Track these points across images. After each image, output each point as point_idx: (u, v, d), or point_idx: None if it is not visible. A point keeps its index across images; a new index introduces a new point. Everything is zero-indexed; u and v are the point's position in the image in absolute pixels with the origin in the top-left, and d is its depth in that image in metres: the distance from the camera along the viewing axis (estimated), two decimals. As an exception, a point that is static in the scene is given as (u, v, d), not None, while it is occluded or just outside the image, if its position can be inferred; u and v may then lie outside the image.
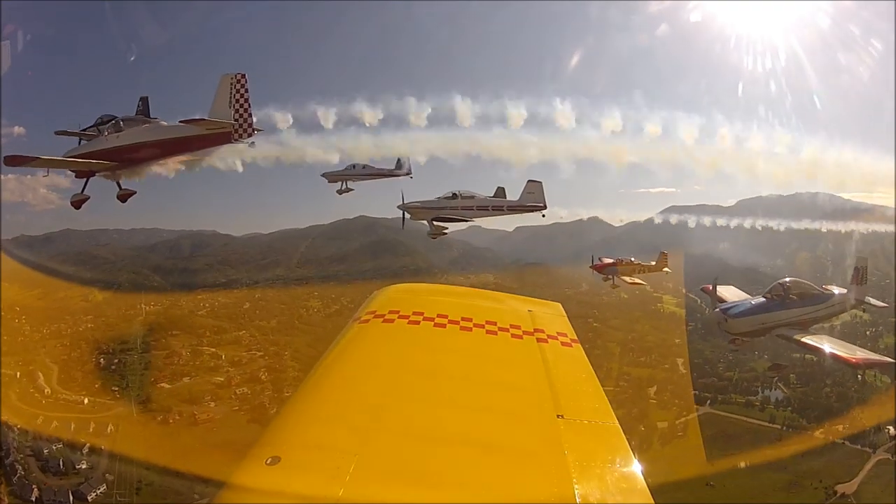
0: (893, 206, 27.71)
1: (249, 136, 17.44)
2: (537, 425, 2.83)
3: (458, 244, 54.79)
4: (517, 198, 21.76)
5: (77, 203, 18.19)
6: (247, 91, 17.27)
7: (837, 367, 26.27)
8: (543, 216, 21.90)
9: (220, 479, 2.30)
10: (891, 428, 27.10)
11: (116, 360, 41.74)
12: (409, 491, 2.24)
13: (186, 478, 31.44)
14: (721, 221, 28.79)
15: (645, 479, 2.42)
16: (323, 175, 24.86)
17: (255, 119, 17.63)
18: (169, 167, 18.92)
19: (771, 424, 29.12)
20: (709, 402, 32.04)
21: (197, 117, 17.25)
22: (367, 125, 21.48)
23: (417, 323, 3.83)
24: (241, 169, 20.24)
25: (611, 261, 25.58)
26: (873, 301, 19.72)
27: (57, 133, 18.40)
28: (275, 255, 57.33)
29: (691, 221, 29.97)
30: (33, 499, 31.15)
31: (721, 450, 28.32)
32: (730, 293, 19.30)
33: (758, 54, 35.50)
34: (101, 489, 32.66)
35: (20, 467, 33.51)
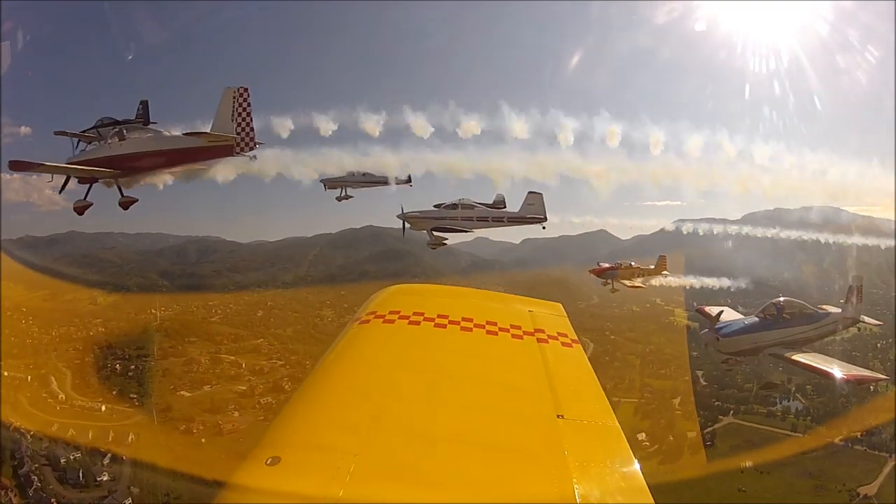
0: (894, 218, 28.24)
1: (251, 149, 17.67)
2: (537, 425, 2.84)
3: (465, 256, 55.85)
4: (517, 208, 21.76)
5: (80, 209, 18.20)
6: (249, 105, 17.52)
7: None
8: (544, 228, 21.83)
9: (221, 479, 2.33)
10: None
11: (133, 367, 40.49)
12: (409, 491, 2.25)
13: (216, 490, 30.89)
14: (729, 231, 29.01)
15: (645, 479, 2.47)
16: (321, 181, 24.49)
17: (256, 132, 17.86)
18: (171, 176, 19.10)
19: (793, 433, 31.32)
20: (731, 412, 33.34)
21: (200, 131, 17.59)
22: (372, 135, 21.55)
23: (418, 323, 3.83)
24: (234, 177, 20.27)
25: (609, 265, 25.89)
26: (868, 319, 20.00)
27: (56, 133, 18.75)
28: (283, 263, 57.14)
29: (698, 233, 30.00)
30: (52, 513, 29.77)
31: (748, 457, 30.28)
32: (724, 315, 19.12)
33: (765, 65, 35.49)
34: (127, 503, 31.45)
35: (36, 478, 31.91)
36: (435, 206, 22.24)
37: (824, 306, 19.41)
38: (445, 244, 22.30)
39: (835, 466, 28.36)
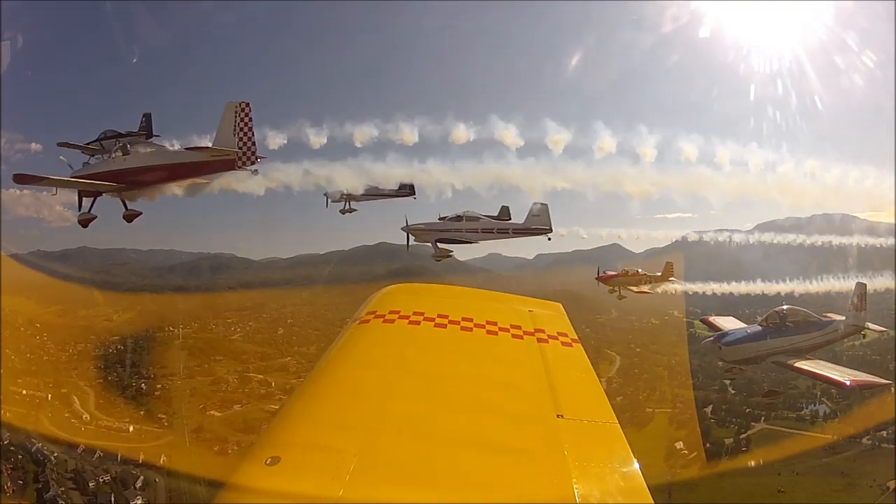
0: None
1: (253, 163, 17.89)
2: (537, 425, 2.85)
3: (480, 272, 56.88)
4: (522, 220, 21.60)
5: (84, 222, 18.52)
6: (251, 119, 17.71)
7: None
8: (549, 239, 21.70)
9: (221, 479, 2.33)
10: None
11: (159, 386, 38.76)
12: (409, 491, 2.25)
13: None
14: (742, 241, 29.14)
15: (644, 479, 2.48)
16: (325, 194, 24.20)
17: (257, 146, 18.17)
18: (177, 189, 19.34)
19: (822, 435, 33.56)
20: (762, 418, 34.35)
21: (202, 145, 17.96)
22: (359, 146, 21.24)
23: (418, 323, 3.84)
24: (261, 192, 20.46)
25: (614, 273, 26.10)
26: (872, 326, 19.89)
27: (59, 145, 19.07)
28: (298, 280, 56.75)
29: (712, 244, 30.35)
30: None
31: (783, 461, 32.19)
32: (729, 324, 19.56)
33: (775, 75, 34.08)
34: (164, 528, 29.79)
35: (63, 503, 29.86)
36: (440, 219, 22.13)
37: (829, 314, 19.55)
38: (450, 256, 22.19)
39: (864, 464, 30.39)
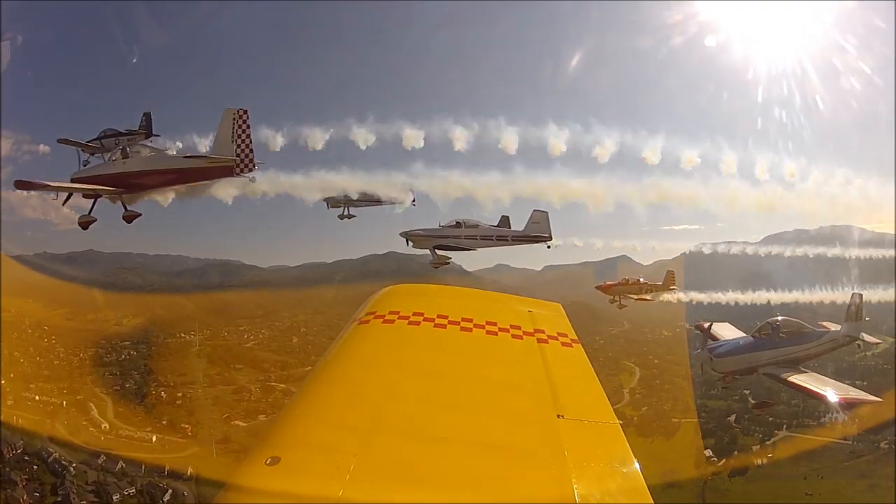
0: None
1: (250, 170, 17.95)
2: (537, 425, 2.85)
3: (489, 284, 57.04)
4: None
5: (84, 224, 18.67)
6: (248, 126, 17.84)
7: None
8: (549, 247, 21.53)
9: (221, 479, 2.39)
10: None
11: (180, 394, 36.88)
12: (409, 491, 2.26)
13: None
14: (751, 252, 29.01)
15: (644, 478, 2.48)
16: (324, 200, 24.02)
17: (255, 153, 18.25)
18: (177, 192, 19.47)
19: (843, 441, 35.40)
20: (784, 426, 35.25)
21: (201, 153, 18.21)
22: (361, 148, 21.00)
23: (417, 323, 3.83)
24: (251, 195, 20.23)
25: (614, 282, 26.06)
26: (867, 337, 19.61)
27: (59, 141, 19.20)
28: (307, 289, 56.17)
29: (720, 256, 30.39)
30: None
31: (807, 466, 33.82)
32: (725, 330, 19.58)
33: (780, 86, 33.85)
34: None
35: (85, 519, 27.76)
36: (442, 227, 22.06)
37: (825, 323, 19.55)
38: (448, 263, 22.00)
39: (883, 466, 32.43)
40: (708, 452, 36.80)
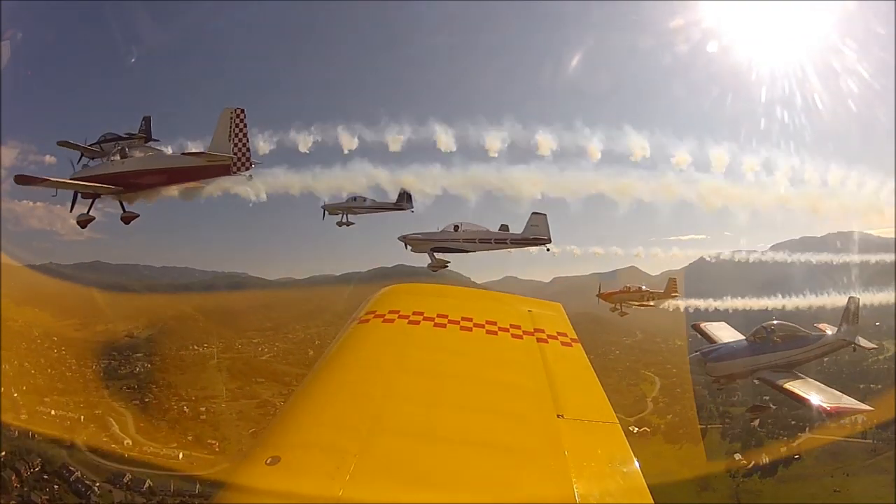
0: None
1: (247, 169, 18.19)
2: (537, 425, 2.84)
3: None
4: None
5: (83, 223, 18.99)
6: (245, 125, 18.06)
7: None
8: (548, 250, 21.48)
9: (221, 479, 2.36)
10: None
11: (203, 409, 34.97)
12: (409, 491, 2.25)
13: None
14: (759, 260, 29.03)
15: (644, 478, 2.46)
16: (322, 207, 24.07)
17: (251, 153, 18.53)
18: (171, 193, 19.52)
19: (863, 440, 36.86)
20: (807, 428, 38.95)
21: (198, 151, 18.47)
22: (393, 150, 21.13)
23: (417, 323, 3.83)
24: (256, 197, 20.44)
25: (615, 290, 26.20)
26: (863, 342, 19.57)
27: (59, 144, 19.49)
28: (317, 302, 55.40)
29: (727, 265, 30.42)
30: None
31: (832, 465, 35.10)
32: (722, 331, 19.60)
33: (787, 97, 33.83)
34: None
35: (115, 543, 25.69)
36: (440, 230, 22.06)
37: (821, 326, 19.61)
38: (446, 266, 22.00)
39: (903, 462, 34.24)
40: (737, 456, 37.66)
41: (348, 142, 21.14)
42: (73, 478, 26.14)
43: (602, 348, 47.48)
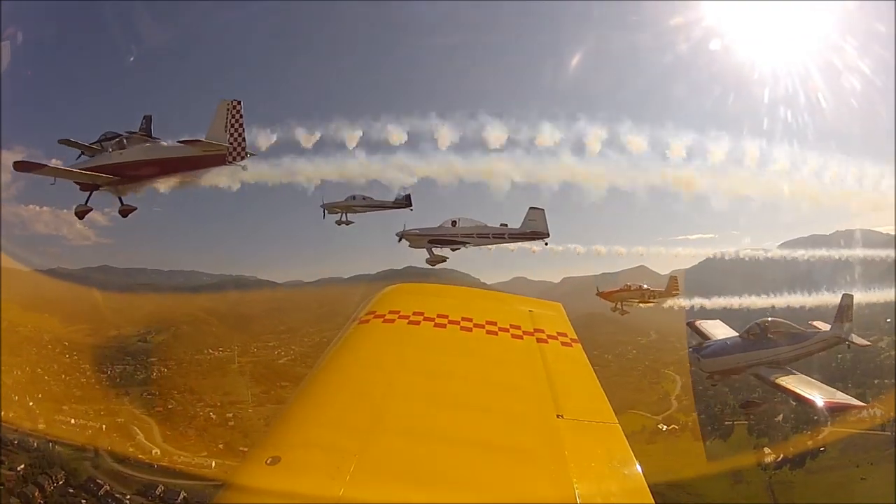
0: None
1: (242, 158, 18.59)
2: (537, 425, 2.84)
3: None
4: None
5: (81, 213, 19.21)
6: (241, 116, 18.45)
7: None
8: (546, 244, 21.57)
9: (221, 479, 2.65)
10: None
11: (230, 414, 33.28)
12: (410, 491, 2.25)
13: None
14: (767, 258, 29.31)
15: (644, 478, 2.46)
16: (322, 206, 24.04)
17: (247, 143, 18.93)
18: (168, 184, 19.79)
19: (883, 432, 38.06)
20: (829, 422, 39.64)
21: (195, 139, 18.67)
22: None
23: (417, 323, 3.83)
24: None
25: (615, 288, 26.30)
26: (857, 339, 19.58)
27: (60, 142, 19.41)
28: (329, 305, 54.42)
29: (736, 263, 30.40)
30: None
31: (857, 456, 36.15)
32: (717, 329, 19.67)
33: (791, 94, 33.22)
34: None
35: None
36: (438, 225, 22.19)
37: (815, 323, 19.69)
38: (445, 261, 22.16)
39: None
40: (766, 450, 38.25)
41: (352, 139, 21.27)
42: (101, 491, 24.17)
43: (619, 348, 47.66)
